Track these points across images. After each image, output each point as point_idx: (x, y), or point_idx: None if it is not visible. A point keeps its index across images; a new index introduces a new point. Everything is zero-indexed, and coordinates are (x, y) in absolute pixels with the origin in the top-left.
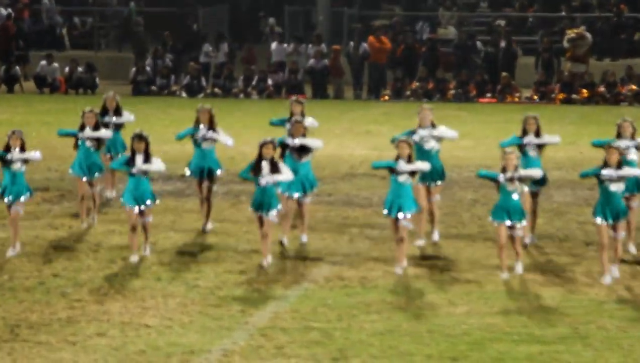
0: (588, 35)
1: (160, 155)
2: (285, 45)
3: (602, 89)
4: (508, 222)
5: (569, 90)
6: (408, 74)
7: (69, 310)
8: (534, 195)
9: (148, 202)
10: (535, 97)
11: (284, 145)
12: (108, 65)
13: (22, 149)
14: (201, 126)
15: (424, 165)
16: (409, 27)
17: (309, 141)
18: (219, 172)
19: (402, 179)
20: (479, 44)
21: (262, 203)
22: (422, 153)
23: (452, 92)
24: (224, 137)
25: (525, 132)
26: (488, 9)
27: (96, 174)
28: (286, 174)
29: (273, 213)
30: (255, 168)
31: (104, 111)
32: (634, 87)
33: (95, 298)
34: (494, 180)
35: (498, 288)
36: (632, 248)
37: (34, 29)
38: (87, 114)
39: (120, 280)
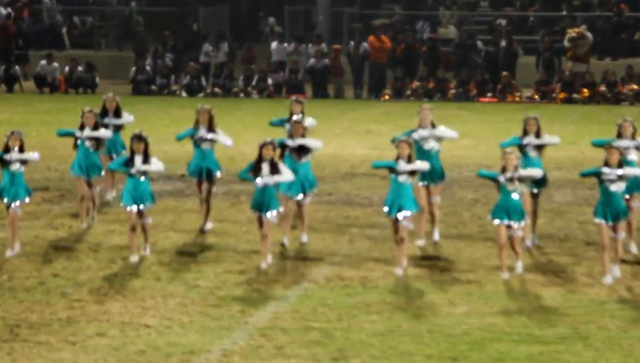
0: (589, 34)
1: (160, 155)
2: (285, 44)
3: (602, 88)
4: (508, 222)
5: (570, 90)
6: (408, 73)
7: (68, 310)
8: (535, 196)
9: (147, 203)
10: (536, 97)
11: (283, 146)
12: (108, 64)
13: (21, 150)
14: (201, 127)
15: (423, 165)
16: (409, 27)
17: (308, 141)
18: (218, 174)
19: (402, 178)
20: (479, 43)
21: (262, 203)
22: (422, 153)
23: (452, 91)
24: (223, 137)
25: (525, 133)
26: (489, 8)
27: (95, 175)
28: (286, 174)
29: (273, 214)
30: (255, 169)
31: (104, 112)
32: (634, 86)
33: (95, 298)
34: (494, 180)
35: (498, 288)
36: (634, 248)
37: (33, 28)
38: (86, 114)
39: (120, 280)
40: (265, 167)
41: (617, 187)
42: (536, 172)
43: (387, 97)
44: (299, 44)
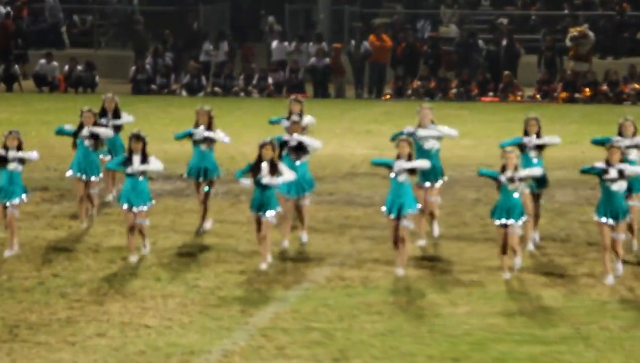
0: (591, 33)
1: (160, 154)
2: (286, 43)
3: (604, 87)
4: (508, 221)
5: (572, 89)
6: (409, 72)
7: (68, 311)
8: (536, 197)
9: (143, 205)
10: (538, 96)
11: (282, 144)
12: (108, 63)
13: (19, 149)
14: (200, 128)
15: (423, 163)
16: (410, 26)
17: (308, 140)
18: (215, 177)
19: (401, 178)
20: (480, 42)
21: (261, 204)
22: (422, 152)
23: (453, 91)
24: (220, 135)
25: (526, 133)
26: (490, 7)
27: (94, 175)
28: (287, 174)
29: (271, 214)
30: (255, 169)
31: (103, 112)
32: (636, 85)
33: (95, 298)
34: (495, 179)
35: (500, 288)
36: (635, 246)
37: (33, 27)
38: (85, 113)
39: (120, 280)
40: (265, 167)
41: (619, 187)
42: (537, 171)
43: (388, 96)
44: (300, 43)
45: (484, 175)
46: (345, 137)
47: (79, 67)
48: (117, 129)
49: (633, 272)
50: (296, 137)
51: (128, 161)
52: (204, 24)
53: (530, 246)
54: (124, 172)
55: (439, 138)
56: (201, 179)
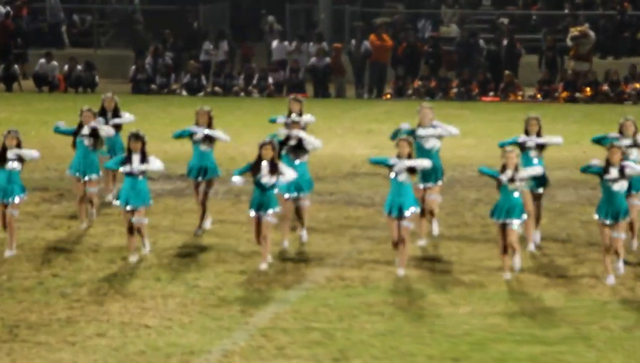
0: (591, 33)
1: (161, 154)
2: (286, 43)
3: (605, 87)
4: (508, 221)
5: (573, 89)
6: (410, 72)
7: (68, 311)
8: (537, 197)
9: (140, 203)
10: (539, 96)
11: (282, 144)
12: (107, 63)
13: (19, 148)
14: (199, 128)
15: (424, 162)
16: (410, 25)
17: (308, 136)
18: (215, 177)
19: (401, 178)
20: (481, 42)
21: (261, 204)
22: (423, 152)
23: (454, 90)
24: (219, 133)
25: (527, 133)
26: (491, 7)
27: (93, 174)
28: (289, 173)
29: (271, 214)
30: (254, 168)
31: (102, 112)
32: (637, 85)
33: (95, 298)
34: (495, 178)
35: (500, 288)
36: (635, 246)
37: (32, 26)
38: (85, 113)
39: (120, 280)
40: (264, 167)
41: (620, 186)
42: (537, 170)
43: (388, 96)
44: (300, 43)
45: (484, 173)
46: (346, 137)
47: (79, 67)
48: (117, 128)
49: (634, 272)
50: (296, 133)
51: (127, 161)
52: (204, 23)
53: (531, 246)
54: (122, 171)
55: (439, 137)
56: (200, 178)
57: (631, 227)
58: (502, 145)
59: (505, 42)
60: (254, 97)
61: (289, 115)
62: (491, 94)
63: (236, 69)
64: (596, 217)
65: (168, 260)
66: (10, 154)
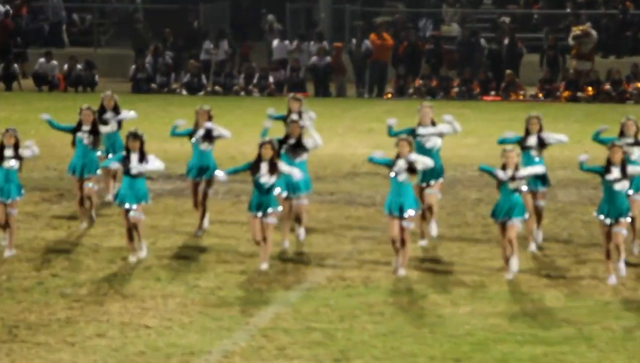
0: (593, 32)
1: (160, 153)
2: (287, 42)
3: (607, 86)
4: (509, 221)
5: (574, 88)
6: (411, 71)
7: (68, 311)
8: (539, 196)
9: (135, 205)
10: (540, 95)
11: (281, 142)
12: (107, 62)
13: (16, 147)
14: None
15: (426, 161)
16: (411, 24)
17: (310, 135)
18: (216, 174)
19: (401, 178)
20: (482, 41)
21: (261, 204)
22: (423, 151)
23: (455, 90)
24: (221, 129)
25: (528, 132)
26: (492, 6)
27: (92, 173)
28: (294, 172)
29: (271, 214)
30: (254, 168)
31: (102, 110)
32: (639, 84)
33: (95, 298)
34: (494, 175)
35: (502, 288)
36: (636, 249)
37: (32, 25)
38: (84, 111)
39: (120, 280)
40: (264, 167)
41: (621, 186)
42: (537, 169)
43: (389, 95)
44: (301, 42)
45: (484, 170)
46: (347, 136)
47: (79, 66)
48: (119, 124)
49: (635, 272)
50: (302, 123)
51: (126, 160)
52: (204, 22)
53: (533, 247)
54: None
55: (440, 135)
56: (200, 178)
57: (632, 227)
58: (500, 142)
59: (506, 41)
60: (255, 97)
61: (288, 114)
62: (492, 93)
63: (236, 68)
64: (595, 214)
65: (168, 260)
66: (8, 153)
